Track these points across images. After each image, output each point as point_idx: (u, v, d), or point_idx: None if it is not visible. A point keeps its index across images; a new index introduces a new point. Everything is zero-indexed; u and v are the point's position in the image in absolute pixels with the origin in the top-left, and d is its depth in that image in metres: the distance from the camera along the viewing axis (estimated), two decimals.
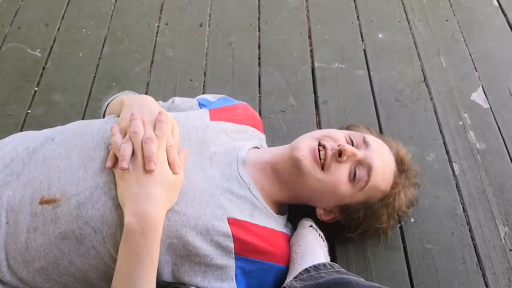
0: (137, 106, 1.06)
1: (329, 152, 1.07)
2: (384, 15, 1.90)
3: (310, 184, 1.08)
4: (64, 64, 1.70)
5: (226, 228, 0.99)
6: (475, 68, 1.71)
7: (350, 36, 1.82)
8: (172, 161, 0.98)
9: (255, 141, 1.22)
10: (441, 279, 1.20)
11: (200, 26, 1.85)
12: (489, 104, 1.59)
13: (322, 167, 1.07)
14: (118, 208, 0.95)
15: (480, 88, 1.64)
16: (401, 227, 1.28)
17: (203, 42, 1.79)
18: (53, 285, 0.99)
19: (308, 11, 1.91)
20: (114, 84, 1.63)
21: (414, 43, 1.80)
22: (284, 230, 1.13)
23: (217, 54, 1.74)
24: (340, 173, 1.07)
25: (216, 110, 1.22)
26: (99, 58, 1.72)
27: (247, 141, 1.19)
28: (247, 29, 1.84)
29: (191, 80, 1.65)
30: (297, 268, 1.04)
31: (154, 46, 1.76)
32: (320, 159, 1.07)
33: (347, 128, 1.22)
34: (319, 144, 1.09)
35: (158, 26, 1.84)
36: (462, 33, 1.84)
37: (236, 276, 1.02)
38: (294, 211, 1.21)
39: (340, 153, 1.06)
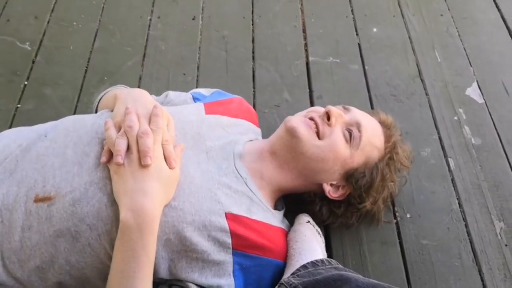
0: (131, 100, 1.04)
1: (318, 120, 1.12)
2: (379, 10, 1.89)
3: (311, 153, 1.10)
4: (54, 58, 1.67)
5: (224, 223, 0.98)
6: (469, 63, 1.71)
7: (345, 30, 1.81)
8: (168, 156, 0.97)
9: (251, 135, 1.21)
10: (437, 275, 1.20)
11: (193, 19, 1.82)
12: (484, 99, 1.59)
13: (318, 136, 1.11)
14: (114, 204, 0.93)
15: (475, 83, 1.64)
16: (397, 223, 1.28)
17: (196, 35, 1.76)
18: (49, 284, 0.98)
19: (302, 5, 1.90)
20: (106, 78, 1.60)
21: (409, 37, 1.79)
22: (281, 226, 1.12)
23: (210, 48, 1.72)
24: (336, 135, 1.11)
25: (211, 104, 1.21)
26: (91, 51, 1.69)
27: (243, 135, 1.18)
28: (241, 22, 1.83)
29: (184, 74, 1.63)
30: (294, 264, 1.03)
31: (146, 39, 1.74)
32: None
33: None
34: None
35: (150, 20, 1.81)
36: (456, 27, 1.83)
37: (233, 272, 1.01)
38: (291, 208, 1.20)
39: (328, 117, 1.11)
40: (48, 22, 1.78)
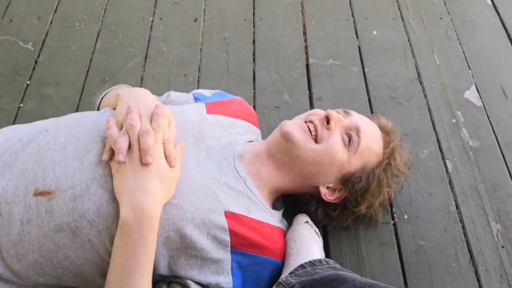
0: (133, 99, 1.05)
1: (318, 123, 1.12)
2: (379, 13, 1.91)
3: (307, 156, 1.10)
4: (56, 58, 1.68)
5: (223, 221, 1.00)
6: (468, 66, 1.72)
7: (345, 32, 1.83)
8: (169, 155, 0.98)
9: (251, 136, 1.22)
10: (434, 275, 1.21)
11: (195, 21, 1.84)
12: (482, 102, 1.60)
13: (316, 140, 1.11)
14: (115, 201, 0.94)
15: (473, 86, 1.65)
16: (394, 224, 1.29)
17: (197, 37, 1.78)
18: (47, 278, 0.99)
19: (303, 7, 1.91)
20: (107, 78, 1.62)
21: (408, 40, 1.80)
22: (280, 225, 1.13)
23: (212, 50, 1.74)
24: (334, 139, 1.11)
25: (212, 104, 1.22)
26: (93, 52, 1.71)
27: (242, 136, 1.19)
28: (242, 24, 1.84)
29: (185, 75, 1.65)
30: (292, 264, 1.04)
31: (148, 40, 1.75)
32: (310, 132, 1.11)
33: None
34: (305, 122, 1.14)
35: (152, 21, 1.83)
36: (455, 31, 1.85)
37: (232, 270, 1.02)
38: (289, 208, 1.21)
39: (327, 120, 1.11)
40: (51, 23, 1.80)
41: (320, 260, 1.04)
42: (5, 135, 1.08)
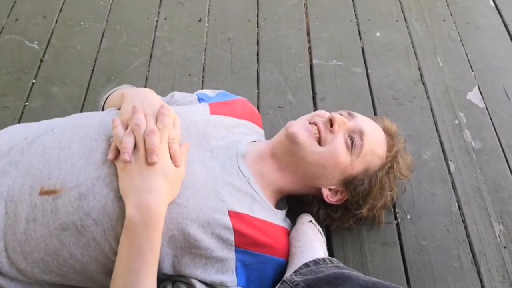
0: (139, 99, 1.06)
1: (321, 126, 1.12)
2: (382, 14, 1.92)
3: (311, 159, 1.11)
4: (62, 57, 1.69)
5: (227, 221, 1.00)
6: (471, 67, 1.72)
7: (348, 34, 1.83)
8: (174, 154, 0.99)
9: (254, 136, 1.23)
10: (436, 275, 1.21)
11: (199, 21, 1.85)
12: (484, 103, 1.61)
13: (319, 142, 1.11)
14: (120, 200, 0.95)
15: (476, 88, 1.66)
16: (397, 224, 1.30)
17: (201, 37, 1.79)
18: (52, 276, 0.99)
19: (306, 8, 1.92)
20: (112, 78, 1.63)
21: (411, 42, 1.81)
22: (283, 224, 1.14)
23: (216, 50, 1.75)
24: (337, 142, 1.11)
25: (216, 104, 1.23)
26: (97, 51, 1.72)
27: (246, 136, 1.20)
28: (246, 25, 1.85)
29: (190, 75, 1.65)
30: (296, 263, 1.05)
31: (153, 40, 1.76)
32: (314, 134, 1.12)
33: None
34: (310, 123, 1.14)
35: (157, 21, 1.84)
36: (458, 32, 1.85)
37: (236, 269, 1.02)
38: (293, 207, 1.21)
39: (331, 123, 1.12)
40: (56, 22, 1.81)
41: (324, 259, 1.05)
42: (11, 134, 1.09)
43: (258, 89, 1.63)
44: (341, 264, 1.06)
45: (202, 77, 1.65)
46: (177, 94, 1.33)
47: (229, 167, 1.09)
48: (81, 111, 1.53)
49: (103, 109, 1.29)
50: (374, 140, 1.15)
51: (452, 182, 1.40)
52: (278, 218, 1.13)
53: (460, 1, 1.98)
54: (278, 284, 1.02)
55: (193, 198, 1.00)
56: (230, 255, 1.01)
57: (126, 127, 1.01)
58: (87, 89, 1.59)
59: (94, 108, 1.52)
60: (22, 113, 1.52)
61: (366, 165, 1.14)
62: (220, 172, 1.06)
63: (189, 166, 1.03)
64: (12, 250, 0.96)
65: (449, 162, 1.44)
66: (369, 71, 1.70)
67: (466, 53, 1.78)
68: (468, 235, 1.29)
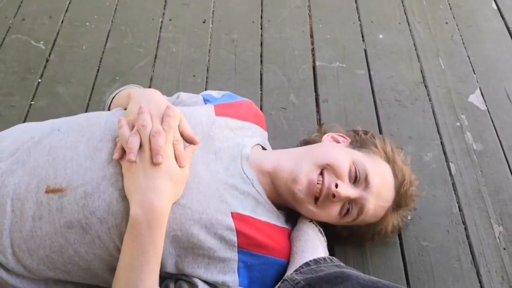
0: (145, 99, 1.07)
1: (325, 191, 1.07)
2: (385, 16, 1.93)
3: (302, 209, 1.12)
4: (67, 57, 1.71)
5: (230, 222, 1.01)
6: (473, 70, 1.73)
7: (351, 36, 1.85)
8: (179, 155, 1.00)
9: (258, 138, 1.23)
10: (436, 276, 1.22)
11: (204, 22, 1.86)
12: (486, 106, 1.62)
13: (316, 200, 1.08)
14: (124, 200, 0.96)
15: (478, 90, 1.67)
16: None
17: (206, 38, 1.80)
18: (57, 273, 1.01)
19: (310, 10, 1.94)
20: (117, 78, 1.64)
21: (414, 44, 1.82)
22: (285, 226, 1.14)
23: (220, 51, 1.76)
24: (332, 210, 1.09)
25: (221, 106, 1.24)
26: (103, 51, 1.73)
27: (250, 138, 1.20)
28: (250, 26, 1.86)
29: (194, 75, 1.67)
30: (297, 262, 1.06)
31: (158, 41, 1.78)
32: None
33: (361, 142, 1.19)
34: (321, 172, 1.08)
35: (161, 22, 1.85)
36: (461, 35, 1.86)
37: (238, 269, 1.04)
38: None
39: (333, 195, 1.06)
40: (62, 22, 1.83)
41: (324, 258, 1.06)
42: (18, 133, 1.11)
43: (261, 90, 1.64)
44: (342, 264, 1.07)
45: (206, 77, 1.67)
46: (183, 95, 1.34)
47: (233, 169, 1.09)
48: (86, 111, 1.54)
49: (109, 109, 1.31)
50: (372, 215, 1.12)
51: (453, 184, 1.41)
52: (280, 219, 1.14)
53: (463, 4, 1.99)
54: (279, 283, 1.03)
55: (196, 199, 1.01)
56: (232, 255, 1.03)
57: (132, 127, 1.01)
58: (92, 88, 1.61)
59: (99, 107, 1.54)
60: (28, 112, 1.53)
61: (352, 225, 1.15)
62: (223, 174, 1.07)
63: (193, 167, 1.04)
64: (18, 247, 0.98)
65: (450, 164, 1.45)
66: (371, 73, 1.71)
67: (468, 55, 1.78)
68: (468, 236, 1.30)
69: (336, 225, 1.15)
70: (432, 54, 1.78)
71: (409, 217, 1.31)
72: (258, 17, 1.90)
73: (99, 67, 1.68)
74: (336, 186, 1.05)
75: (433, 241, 1.28)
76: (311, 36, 1.84)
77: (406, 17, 1.93)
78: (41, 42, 1.75)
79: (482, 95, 1.65)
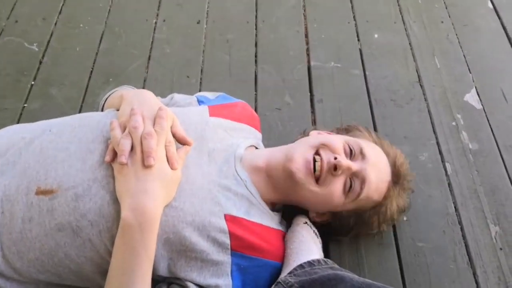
0: (137, 101, 1.06)
1: (325, 167, 1.07)
2: (380, 16, 1.92)
3: (303, 195, 1.10)
4: (61, 59, 1.70)
5: (223, 224, 1.00)
6: (469, 69, 1.73)
7: (346, 35, 1.84)
8: (171, 157, 0.99)
9: (252, 140, 1.22)
10: (432, 277, 1.22)
11: (198, 23, 1.86)
12: (482, 105, 1.61)
13: (317, 180, 1.08)
14: (116, 202, 0.95)
15: (474, 90, 1.66)
16: (393, 226, 1.30)
17: (200, 39, 1.79)
18: (48, 276, 1.00)
19: (305, 10, 1.93)
20: (111, 79, 1.64)
21: (409, 43, 1.81)
22: (279, 227, 1.14)
23: (214, 51, 1.75)
24: (335, 187, 1.08)
25: (215, 107, 1.23)
26: (96, 53, 1.72)
27: (244, 139, 1.19)
28: (244, 27, 1.86)
29: (188, 76, 1.66)
30: (291, 264, 1.05)
31: (152, 42, 1.77)
32: (315, 170, 1.07)
33: (346, 130, 1.24)
34: (317, 153, 1.09)
35: (155, 23, 1.85)
36: (456, 34, 1.86)
37: (231, 272, 1.03)
38: (289, 208, 1.21)
39: (335, 167, 1.06)
40: (55, 24, 1.82)
41: (319, 260, 1.05)
42: (8, 134, 1.10)
43: (256, 91, 1.63)
44: (336, 266, 1.07)
45: (200, 78, 1.66)
46: (177, 96, 1.33)
47: (226, 170, 1.09)
48: (79, 113, 1.53)
49: (102, 110, 1.30)
50: (374, 188, 1.11)
51: (449, 184, 1.40)
52: (274, 221, 1.13)
53: (458, 3, 1.99)
54: (273, 285, 1.02)
55: (189, 201, 1.00)
56: (225, 258, 1.02)
57: (124, 129, 1.01)
58: (86, 90, 1.60)
59: (93, 109, 1.53)
60: (21, 114, 1.52)
61: (358, 207, 1.13)
62: (216, 176, 1.07)
63: (185, 169, 1.03)
64: (7, 249, 0.97)
65: (446, 163, 1.45)
66: (367, 73, 1.70)
67: (464, 55, 1.78)
68: (464, 237, 1.29)
69: (342, 210, 1.13)
70: (427, 54, 1.78)
71: (405, 218, 1.31)
72: (252, 17, 1.89)
73: (92, 68, 1.67)
74: (335, 159, 1.06)
75: (429, 241, 1.27)
76: (306, 36, 1.83)
77: (402, 16, 1.92)
78: (35, 44, 1.74)
79: (478, 95, 1.64)
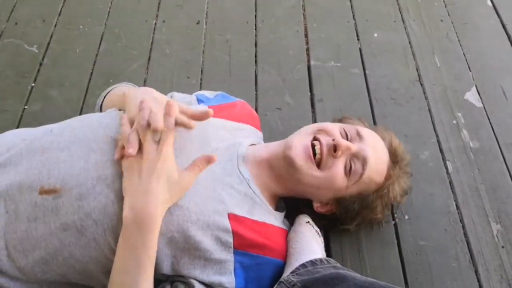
0: (144, 96, 1.05)
1: (325, 149, 1.09)
2: (380, 15, 1.92)
3: (306, 181, 1.10)
4: (61, 60, 1.70)
5: (226, 223, 1.01)
6: (469, 67, 1.73)
7: (346, 35, 1.84)
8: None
9: (253, 139, 1.23)
10: (434, 275, 1.22)
11: (197, 23, 1.86)
12: (482, 103, 1.61)
13: (319, 165, 1.09)
14: (120, 201, 0.95)
15: (474, 88, 1.66)
16: (395, 224, 1.30)
17: (200, 39, 1.79)
18: (52, 275, 1.00)
19: (304, 10, 1.93)
20: (111, 80, 1.63)
21: (409, 42, 1.82)
22: (282, 226, 1.14)
23: (214, 52, 1.75)
24: (337, 168, 1.09)
25: (215, 108, 1.23)
26: (96, 54, 1.72)
27: (246, 138, 1.20)
28: (244, 27, 1.86)
29: (188, 77, 1.66)
30: (294, 263, 1.05)
31: (151, 43, 1.77)
32: (315, 154, 1.09)
33: (340, 121, 1.25)
34: (314, 139, 1.11)
35: (155, 23, 1.85)
36: (456, 33, 1.86)
37: (234, 270, 1.03)
38: (292, 208, 1.22)
39: (335, 148, 1.08)
40: (55, 26, 1.82)
41: (321, 259, 1.05)
42: (9, 137, 1.10)
43: (256, 91, 1.63)
44: (338, 265, 1.07)
45: (201, 79, 1.66)
46: (176, 95, 1.33)
47: (229, 169, 1.09)
48: (80, 114, 1.53)
49: (101, 107, 1.30)
50: (375, 169, 1.12)
51: (450, 182, 1.40)
52: (277, 220, 1.13)
53: (457, 1, 1.99)
54: (276, 285, 1.02)
55: (194, 200, 1.00)
56: (228, 257, 1.02)
57: (132, 124, 1.00)
58: (86, 92, 1.60)
59: (93, 110, 1.51)
60: (21, 116, 1.52)
61: (361, 189, 1.13)
62: (220, 174, 1.07)
63: None
64: (13, 248, 0.97)
65: (447, 162, 1.45)
66: (367, 72, 1.70)
67: (464, 53, 1.78)
68: (466, 235, 1.29)
69: (345, 195, 1.13)
70: (427, 52, 1.78)
71: (406, 217, 1.31)
72: (252, 17, 1.89)
73: (92, 70, 1.67)
74: (333, 140, 1.08)
75: (430, 240, 1.28)
76: (306, 35, 1.83)
77: (401, 15, 1.92)
78: (34, 46, 1.74)
79: (478, 93, 1.64)
